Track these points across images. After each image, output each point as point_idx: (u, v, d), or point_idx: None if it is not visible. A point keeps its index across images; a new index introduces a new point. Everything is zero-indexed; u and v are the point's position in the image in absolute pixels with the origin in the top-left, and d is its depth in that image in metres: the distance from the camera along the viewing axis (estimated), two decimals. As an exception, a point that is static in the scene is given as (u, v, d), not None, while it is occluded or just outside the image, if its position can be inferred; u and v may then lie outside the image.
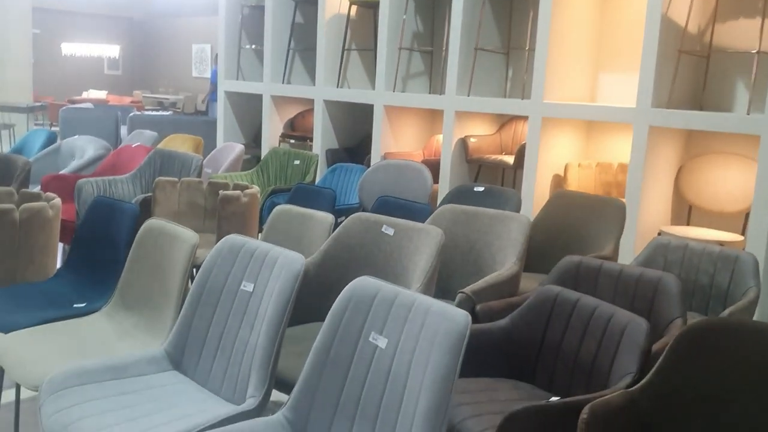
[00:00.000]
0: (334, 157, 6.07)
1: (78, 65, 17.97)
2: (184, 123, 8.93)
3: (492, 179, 5.63)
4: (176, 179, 3.86)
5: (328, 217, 2.77)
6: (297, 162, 4.95)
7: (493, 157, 5.12)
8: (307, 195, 3.61)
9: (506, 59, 5.48)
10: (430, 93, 6.01)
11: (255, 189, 3.67)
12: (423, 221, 3.07)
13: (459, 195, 3.87)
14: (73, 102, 14.14)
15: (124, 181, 4.39)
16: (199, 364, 2.07)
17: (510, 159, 5.01)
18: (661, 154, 4.33)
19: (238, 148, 5.36)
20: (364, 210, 4.10)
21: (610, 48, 4.96)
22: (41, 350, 2.17)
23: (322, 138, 6.16)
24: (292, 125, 6.73)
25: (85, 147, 5.21)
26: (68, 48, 16.63)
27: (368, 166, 5.79)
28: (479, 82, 5.29)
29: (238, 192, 3.56)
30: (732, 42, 4.37)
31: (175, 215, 3.88)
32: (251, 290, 2.02)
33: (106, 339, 2.33)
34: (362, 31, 6.25)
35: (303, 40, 6.68)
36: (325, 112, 6.13)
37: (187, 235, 2.30)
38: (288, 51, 6.60)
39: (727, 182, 4.29)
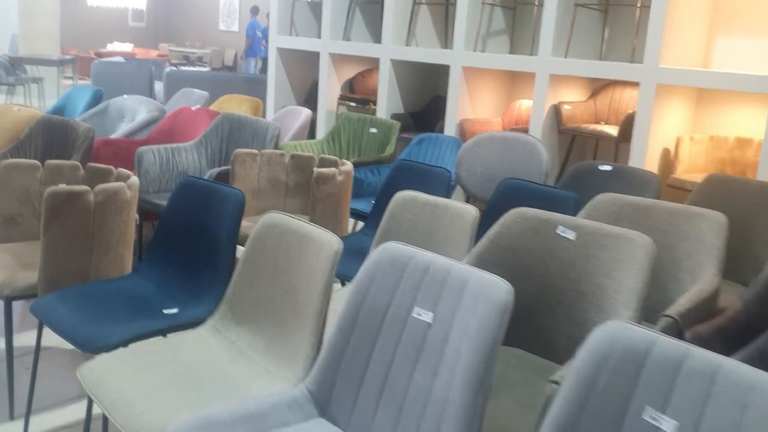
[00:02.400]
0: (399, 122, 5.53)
1: (101, 16, 17.34)
2: (222, 81, 8.39)
3: (583, 153, 5.09)
4: (256, 151, 3.36)
5: (470, 210, 2.27)
6: (374, 131, 4.43)
7: (591, 127, 4.57)
8: (411, 174, 3.11)
9: (603, 17, 4.88)
10: (510, 53, 5.43)
11: (349, 166, 3.17)
12: (570, 213, 2.57)
13: (580, 176, 3.35)
14: (100, 55, 13.59)
15: (188, 149, 3.89)
16: (354, 414, 1.60)
17: (612, 130, 4.46)
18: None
19: (304, 113, 4.84)
20: (465, 191, 3.59)
21: (728, 8, 4.36)
22: (145, 382, 1.71)
23: (388, 101, 5.62)
24: (351, 86, 6.19)
25: (136, 108, 4.71)
26: (93, -2, 15.98)
27: (440, 133, 5.26)
28: (573, 42, 4.71)
29: (333, 169, 3.06)
30: None
31: (254, 193, 3.39)
32: (430, 321, 1.54)
33: (218, 363, 1.87)
34: (433, -18, 5.64)
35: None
36: (392, 72, 5.58)
37: (326, 238, 1.81)
38: (350, 4, 6.01)
39: None
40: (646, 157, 4.20)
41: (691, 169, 4.35)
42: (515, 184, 2.79)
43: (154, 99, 9.38)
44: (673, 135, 4.40)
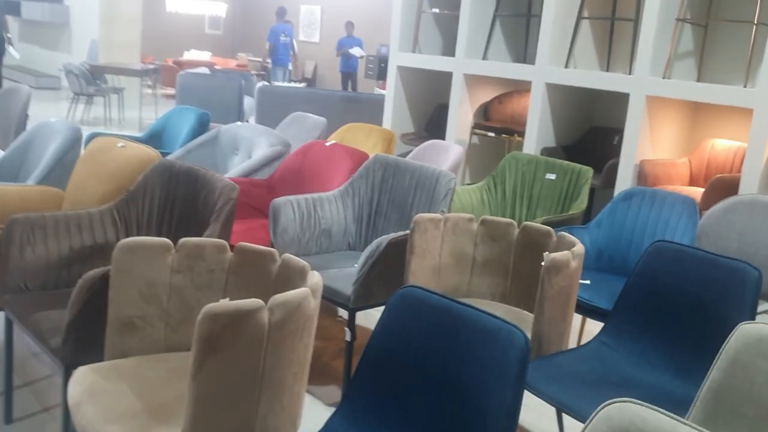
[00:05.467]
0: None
1: (177, 23, 16.91)
2: (318, 99, 7.59)
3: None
4: (440, 216, 2.48)
5: None
6: (551, 176, 3.50)
7: (829, 180, 3.55)
8: (678, 264, 2.17)
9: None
10: (698, 80, 4.44)
11: (580, 247, 2.25)
12: None
13: None
14: (179, 64, 13.06)
15: (332, 200, 3.04)
16: None
17: None
18: None
19: (454, 150, 3.95)
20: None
21: None
22: None
23: (539, 132, 4.69)
24: (485, 113, 5.29)
25: (253, 139, 3.90)
26: (173, 4, 15.54)
27: (609, 176, 4.31)
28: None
29: (567, 254, 2.15)
30: None
31: (435, 272, 2.51)
32: None
33: None
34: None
35: (506, 3, 5.18)
36: (545, 98, 4.65)
37: None
38: (494, 18, 5.11)
39: None
40: None
41: None
42: None
43: (243, 116, 8.66)
44: None
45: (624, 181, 4.20)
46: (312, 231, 2.96)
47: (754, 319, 1.98)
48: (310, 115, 4.92)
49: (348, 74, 11.57)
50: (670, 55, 4.11)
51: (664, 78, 4.08)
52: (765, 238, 2.63)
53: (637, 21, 4.42)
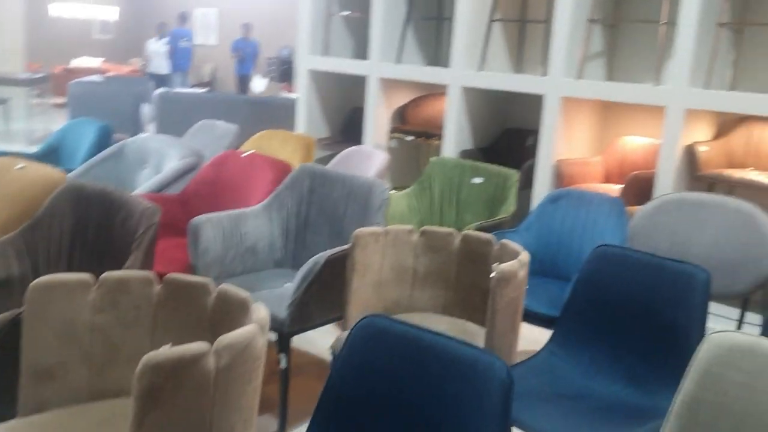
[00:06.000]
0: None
1: (63, 28, 15.99)
2: (221, 104, 7.32)
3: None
4: (380, 229, 2.36)
5: None
6: (478, 180, 3.46)
7: (738, 174, 3.68)
8: (624, 268, 2.14)
9: (738, 39, 4.01)
10: (609, 79, 4.53)
11: (525, 255, 2.19)
12: None
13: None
14: (71, 72, 12.33)
15: (256, 215, 2.86)
16: None
17: (770, 179, 3.58)
18: None
19: (378, 155, 3.84)
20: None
21: None
22: None
23: (457, 135, 4.66)
24: (401, 116, 5.21)
25: (162, 151, 3.65)
26: (56, 8, 14.66)
27: (528, 177, 4.32)
28: (704, 67, 3.83)
29: (516, 263, 2.08)
30: None
31: (377, 288, 2.38)
32: None
33: None
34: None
35: (418, 6, 5.11)
36: (462, 101, 4.62)
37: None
38: (407, 20, 5.04)
39: None
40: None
41: None
42: None
43: (142, 125, 8.24)
44: None
45: (542, 182, 4.22)
46: (236, 249, 2.77)
47: (705, 322, 1.97)
48: (219, 122, 4.69)
49: (244, 77, 11.24)
50: (583, 56, 4.17)
51: (577, 79, 4.13)
52: (695, 236, 2.66)
53: (548, 23, 4.46)
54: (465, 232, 2.43)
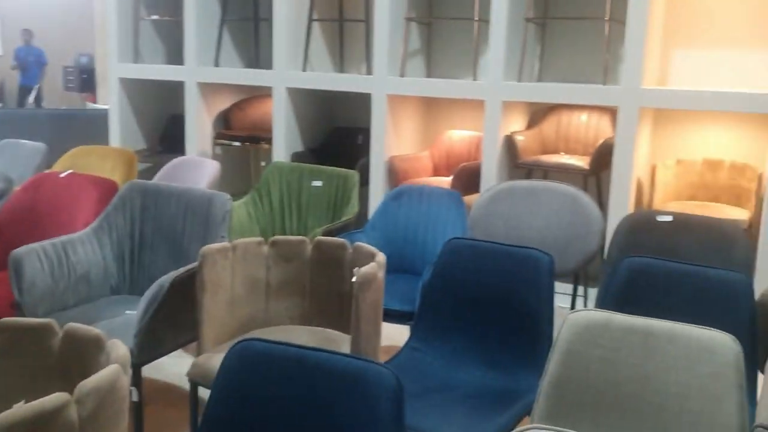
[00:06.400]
0: (300, 162, 4.54)
1: None
2: (20, 121, 6.67)
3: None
4: (228, 244, 2.25)
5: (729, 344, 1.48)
6: (317, 183, 3.43)
7: (554, 159, 3.97)
8: (482, 258, 2.21)
9: (543, 33, 4.32)
10: (428, 76, 4.69)
11: (381, 257, 2.20)
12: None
13: (635, 231, 2.69)
14: None
15: (84, 240, 2.63)
16: None
17: (579, 161, 3.90)
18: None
19: (209, 165, 3.69)
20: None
21: (682, 21, 4.00)
22: None
23: (287, 137, 4.60)
24: (226, 121, 5.06)
25: (-39, 177, 3.24)
26: None
27: (363, 174, 4.37)
28: (513, 62, 4.09)
29: (374, 266, 2.08)
30: None
31: (230, 305, 2.28)
32: None
33: None
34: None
35: (233, 8, 4.97)
36: (288, 103, 4.57)
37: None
38: (222, 22, 4.87)
39: None
40: (629, 191, 3.68)
41: (665, 198, 3.93)
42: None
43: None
44: (642, 162, 3.95)
45: (377, 179, 4.29)
46: (66, 280, 2.53)
47: (553, 301, 2.10)
48: (24, 141, 4.27)
49: (27, 88, 10.22)
50: (405, 54, 4.28)
51: (401, 76, 4.24)
52: (528, 221, 2.83)
53: (368, 21, 4.53)
54: (318, 238, 2.40)
